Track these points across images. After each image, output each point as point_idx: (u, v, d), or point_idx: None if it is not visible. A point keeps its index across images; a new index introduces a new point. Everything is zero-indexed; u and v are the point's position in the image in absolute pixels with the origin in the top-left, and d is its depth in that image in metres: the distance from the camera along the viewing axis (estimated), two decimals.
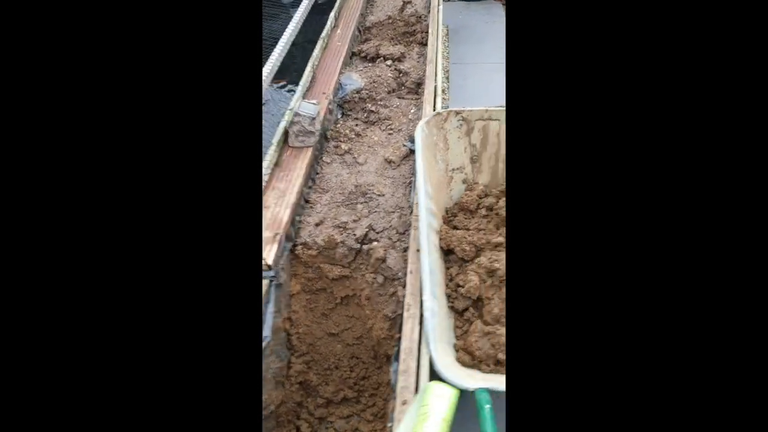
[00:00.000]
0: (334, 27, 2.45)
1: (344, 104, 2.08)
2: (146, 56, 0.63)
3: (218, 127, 0.65)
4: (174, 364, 0.59)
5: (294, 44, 2.06)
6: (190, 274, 0.61)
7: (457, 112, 1.54)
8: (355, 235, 1.46)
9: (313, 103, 1.69)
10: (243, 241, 0.65)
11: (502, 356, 1.15)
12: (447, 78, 2.93)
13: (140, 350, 0.59)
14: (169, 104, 0.63)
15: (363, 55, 2.35)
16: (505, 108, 1.56)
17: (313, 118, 1.65)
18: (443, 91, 1.98)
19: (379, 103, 2.07)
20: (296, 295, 1.48)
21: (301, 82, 1.95)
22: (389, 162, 1.76)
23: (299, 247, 1.47)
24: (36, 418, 0.55)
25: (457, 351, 1.22)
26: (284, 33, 1.87)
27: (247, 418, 0.62)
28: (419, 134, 1.46)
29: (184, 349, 0.60)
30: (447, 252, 1.40)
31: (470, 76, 3.00)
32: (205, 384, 0.60)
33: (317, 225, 1.53)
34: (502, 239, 1.35)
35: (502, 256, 1.31)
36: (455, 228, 1.47)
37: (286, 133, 1.70)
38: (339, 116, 2.05)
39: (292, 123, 1.67)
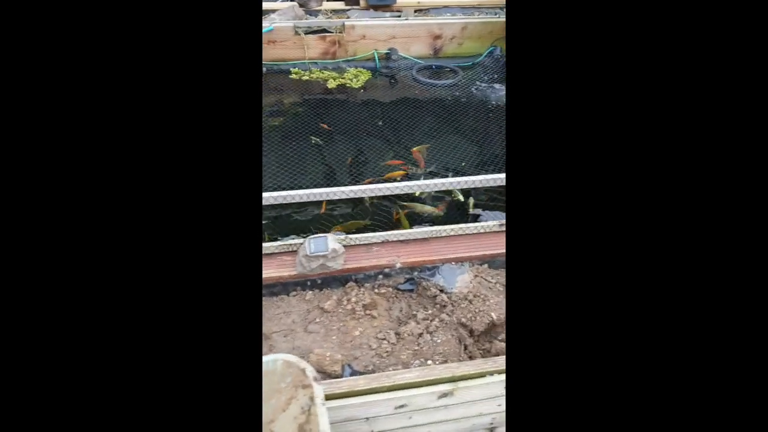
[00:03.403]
0: None
1: (419, 285, 1.75)
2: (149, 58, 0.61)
3: (219, 122, 0.62)
4: (170, 352, 0.58)
5: None
6: (189, 269, 0.60)
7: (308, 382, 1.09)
8: None
9: (330, 247, 1.58)
10: (242, 241, 0.62)
11: None
12: None
13: (137, 347, 0.57)
14: (168, 104, 0.61)
15: None
16: None
17: (309, 255, 1.57)
18: None
19: (462, 307, 1.61)
20: None
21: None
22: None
23: None
24: (37, 419, 0.53)
25: None
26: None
27: (246, 417, 0.60)
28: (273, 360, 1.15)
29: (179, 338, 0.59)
30: None
31: None
32: (203, 380, 0.58)
33: None
34: None
35: None
36: None
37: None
38: (407, 289, 1.76)
39: (303, 244, 1.65)
